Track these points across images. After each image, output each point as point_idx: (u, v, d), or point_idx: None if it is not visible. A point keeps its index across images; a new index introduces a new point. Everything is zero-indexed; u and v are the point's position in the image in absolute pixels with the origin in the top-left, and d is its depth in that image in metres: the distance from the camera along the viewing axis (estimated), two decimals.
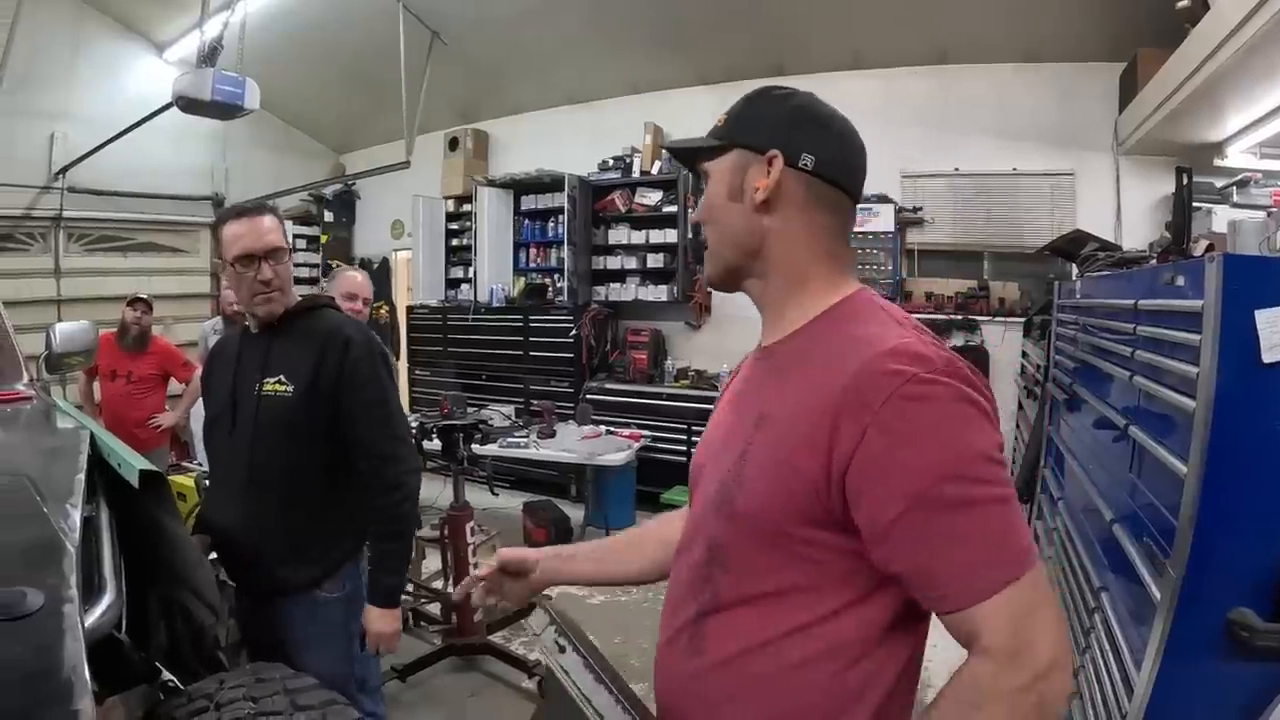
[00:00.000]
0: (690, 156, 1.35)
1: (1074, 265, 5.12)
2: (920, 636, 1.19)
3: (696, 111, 7.96)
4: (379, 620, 2.41)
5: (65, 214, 8.65)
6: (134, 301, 5.72)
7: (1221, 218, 4.66)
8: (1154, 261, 3.72)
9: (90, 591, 1.50)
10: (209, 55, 5.71)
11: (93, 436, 2.16)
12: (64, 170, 8.44)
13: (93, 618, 1.42)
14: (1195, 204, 4.16)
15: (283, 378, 2.39)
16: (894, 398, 1.02)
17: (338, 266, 9.57)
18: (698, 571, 1.24)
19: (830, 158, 1.22)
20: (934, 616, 1.10)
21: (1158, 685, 2.08)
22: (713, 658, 1.19)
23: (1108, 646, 2.53)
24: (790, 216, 1.22)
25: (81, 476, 1.83)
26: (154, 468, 1.87)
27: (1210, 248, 3.45)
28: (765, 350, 1.30)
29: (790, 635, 1.13)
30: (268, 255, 2.37)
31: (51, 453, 2.09)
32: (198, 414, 6.27)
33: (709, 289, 1.44)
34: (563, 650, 1.28)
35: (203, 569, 1.99)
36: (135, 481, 1.81)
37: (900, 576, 1.05)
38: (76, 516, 1.63)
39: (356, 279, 4.02)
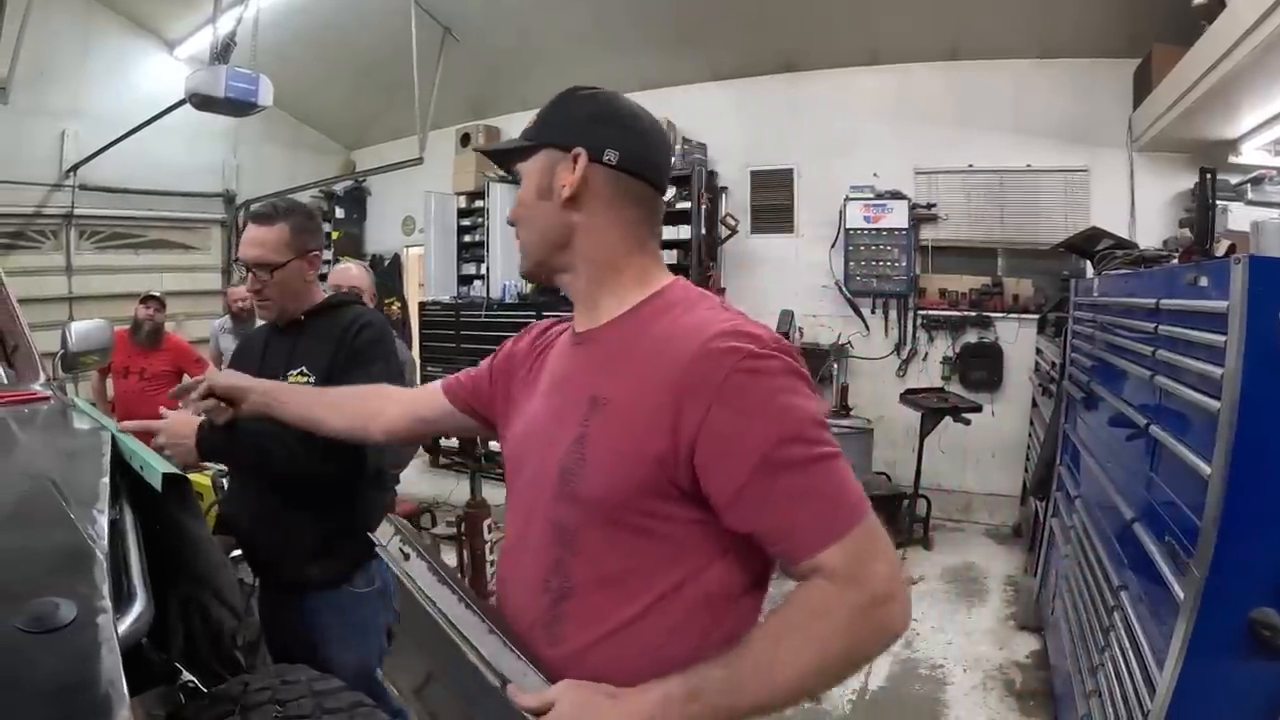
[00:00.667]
0: (504, 159, 1.42)
1: (1089, 263, 5.10)
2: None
3: (710, 107, 8.00)
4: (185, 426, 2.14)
5: (76, 212, 8.73)
6: (147, 299, 5.74)
7: (1237, 215, 4.66)
8: (1175, 261, 3.72)
9: (120, 599, 1.45)
10: (222, 52, 5.74)
11: (113, 437, 2.13)
12: (75, 168, 8.51)
13: (124, 626, 1.38)
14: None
15: (304, 369, 2.40)
16: (733, 374, 1.09)
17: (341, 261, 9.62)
18: (545, 558, 1.24)
19: (634, 152, 1.28)
20: None
21: (1180, 684, 2.08)
22: (573, 646, 1.20)
23: (1128, 645, 2.52)
24: (597, 210, 1.28)
25: (106, 479, 1.80)
26: (176, 470, 1.85)
27: (1232, 248, 3.44)
28: (581, 336, 1.34)
29: (649, 611, 1.17)
30: (254, 267, 2.38)
31: (73, 455, 2.06)
32: None
33: (525, 280, 1.55)
34: (407, 558, 1.31)
35: (225, 571, 1.97)
36: (158, 485, 1.78)
37: (754, 535, 1.13)
38: (103, 521, 1.58)
39: (350, 271, 3.96)
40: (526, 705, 1.10)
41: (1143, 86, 5.83)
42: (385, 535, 1.37)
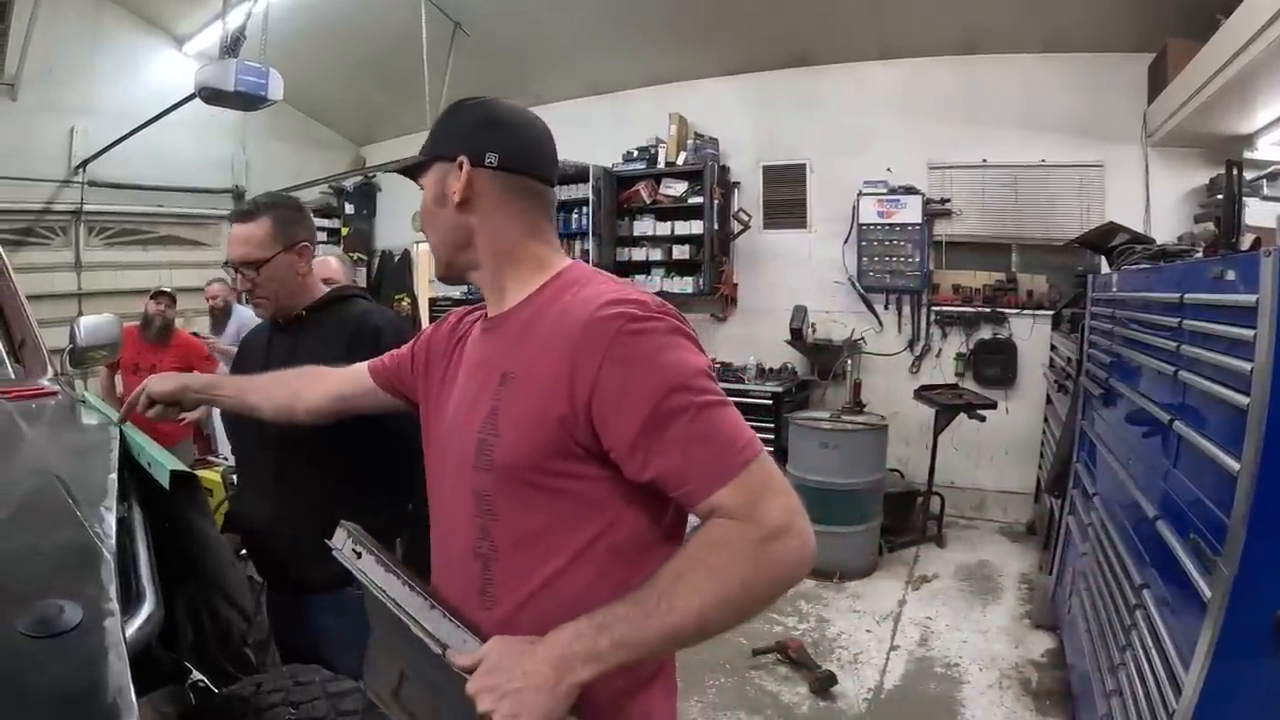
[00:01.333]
0: (410, 175, 1.49)
1: (1105, 258, 5.06)
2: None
3: (721, 102, 7.98)
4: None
5: (85, 208, 8.74)
6: (157, 294, 5.71)
7: (1254, 210, 4.61)
8: (1199, 255, 3.68)
9: (128, 600, 1.41)
10: (232, 46, 5.72)
11: (122, 434, 2.10)
12: (84, 164, 8.51)
13: (133, 629, 1.34)
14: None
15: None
16: (619, 335, 1.19)
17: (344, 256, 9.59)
18: (472, 528, 1.34)
19: (512, 152, 1.39)
20: None
21: (1207, 684, 2.05)
22: (504, 607, 1.30)
23: (1151, 644, 2.49)
24: (487, 209, 1.38)
25: (114, 476, 1.76)
26: (185, 468, 1.82)
27: (1258, 242, 3.40)
28: (491, 322, 1.44)
29: (568, 567, 1.26)
30: (240, 266, 2.35)
31: (80, 451, 2.03)
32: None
33: (441, 282, 1.59)
34: (359, 556, 1.43)
35: (234, 571, 1.94)
36: (166, 483, 1.75)
37: (654, 482, 1.19)
38: (111, 519, 1.55)
39: (330, 264, 3.85)
40: (461, 664, 1.20)
41: (1158, 81, 5.79)
42: (340, 540, 1.49)
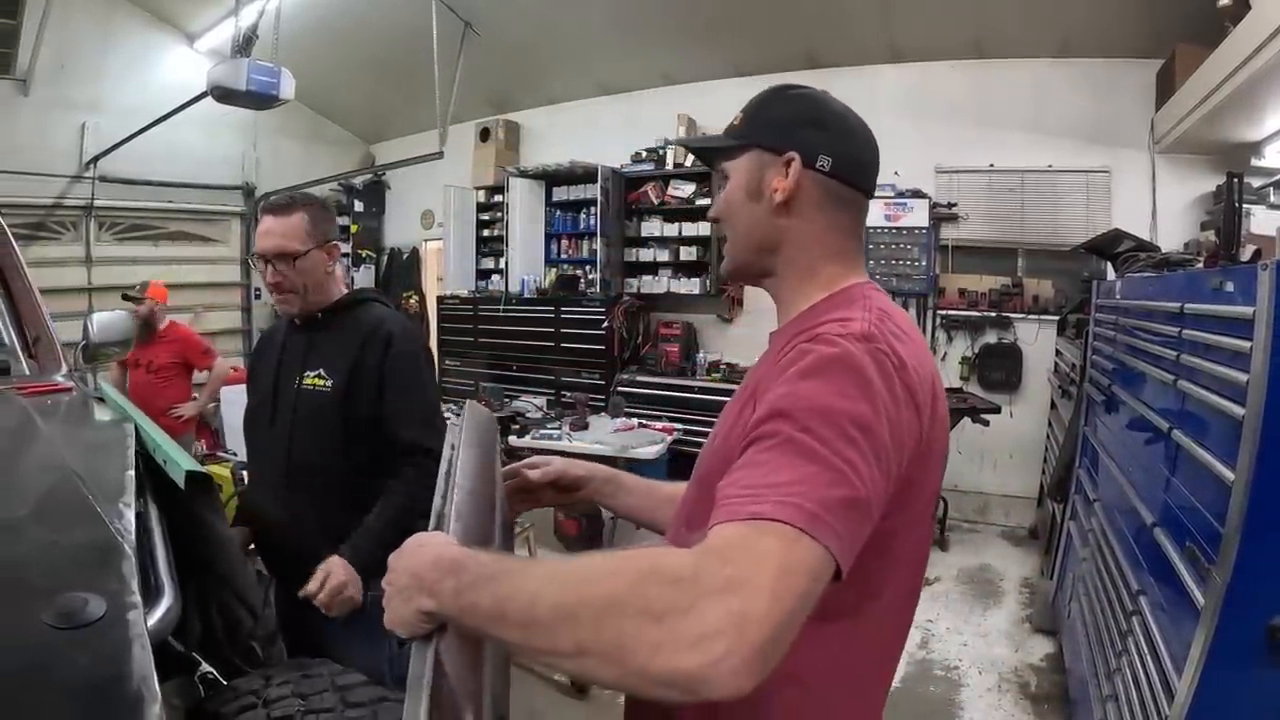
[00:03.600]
0: (709, 156, 1.37)
1: (1110, 264, 5.07)
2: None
3: (730, 103, 7.78)
4: (342, 570, 2.21)
5: (96, 203, 8.79)
6: (123, 298, 5.75)
7: (1260, 219, 4.63)
8: (1199, 265, 3.69)
9: (147, 593, 1.42)
10: (244, 45, 5.75)
11: (137, 429, 2.11)
12: (95, 160, 8.57)
13: (152, 621, 1.36)
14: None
15: (322, 372, 2.39)
16: (797, 348, 1.05)
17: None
18: (677, 531, 1.30)
19: (845, 157, 1.23)
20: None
21: (1199, 691, 2.07)
22: None
23: (1146, 650, 2.51)
24: (807, 216, 1.23)
25: (131, 473, 1.77)
26: (201, 468, 1.82)
27: (1258, 253, 3.42)
28: (771, 336, 1.32)
29: None
30: (274, 258, 2.38)
31: (97, 447, 2.03)
32: (229, 401, 6.32)
33: (726, 278, 1.40)
34: (460, 433, 1.36)
35: (243, 568, 1.95)
36: (181, 481, 1.76)
37: None
38: (130, 515, 1.55)
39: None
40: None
41: (1165, 87, 5.78)
42: (456, 419, 1.43)
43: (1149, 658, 2.47)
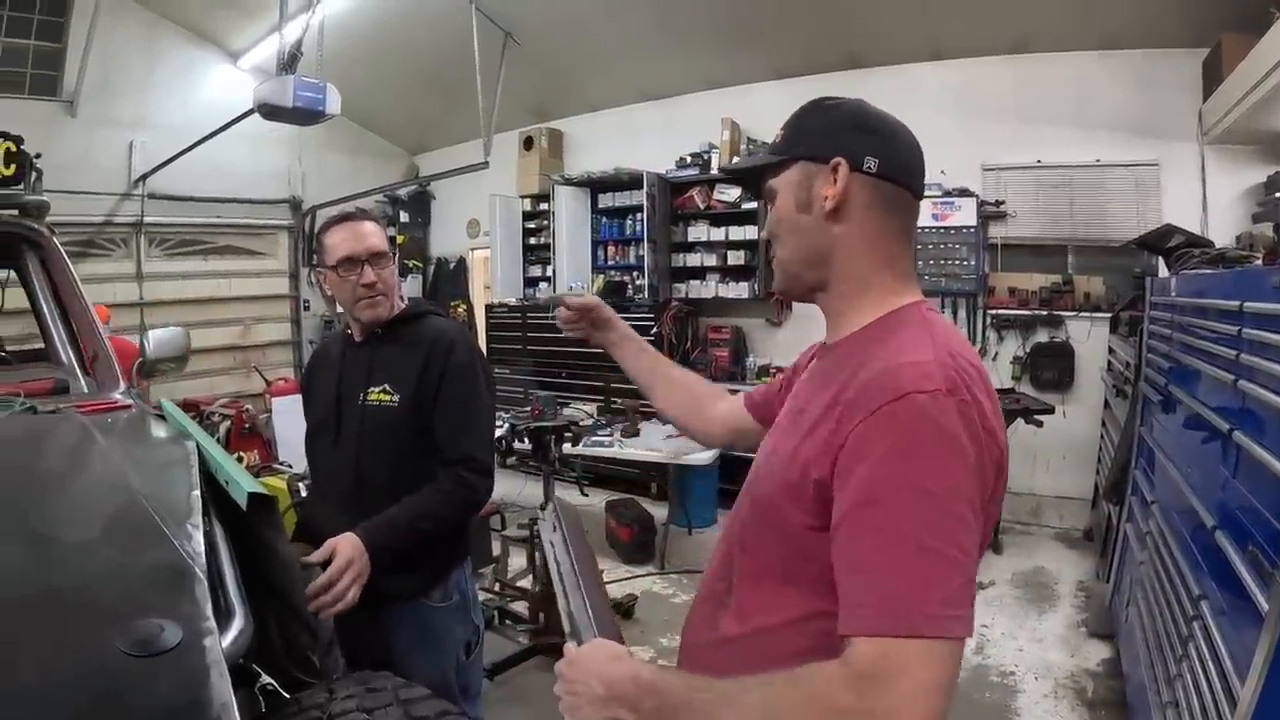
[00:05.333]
0: (756, 176, 1.38)
1: (1162, 260, 4.97)
2: None
3: (773, 106, 7.89)
4: (352, 547, 2.13)
5: (146, 220, 8.98)
6: None
7: None
8: (1258, 262, 3.61)
9: (218, 616, 1.40)
10: (289, 62, 5.82)
11: (198, 447, 2.09)
12: (144, 178, 8.76)
13: (225, 645, 1.33)
14: None
15: (388, 386, 2.38)
16: (883, 408, 1.03)
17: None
18: (729, 548, 1.32)
19: (892, 158, 1.23)
20: None
21: (1263, 698, 2.02)
22: (722, 634, 1.27)
23: (1208, 655, 2.46)
24: (858, 220, 1.23)
25: (197, 493, 1.77)
26: (263, 490, 1.79)
27: None
28: (823, 349, 1.37)
29: (782, 628, 1.18)
30: (370, 259, 2.37)
31: (162, 467, 2.02)
32: (280, 411, 6.42)
33: (780, 297, 1.51)
34: (554, 530, 1.51)
35: (301, 588, 1.91)
36: (244, 503, 1.73)
37: None
38: (199, 537, 1.55)
39: None
40: (565, 652, 1.21)
41: (1212, 77, 5.67)
42: (549, 513, 1.57)
43: (1210, 663, 2.42)
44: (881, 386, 1.05)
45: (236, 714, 1.13)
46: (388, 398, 2.38)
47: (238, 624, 1.45)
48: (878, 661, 0.94)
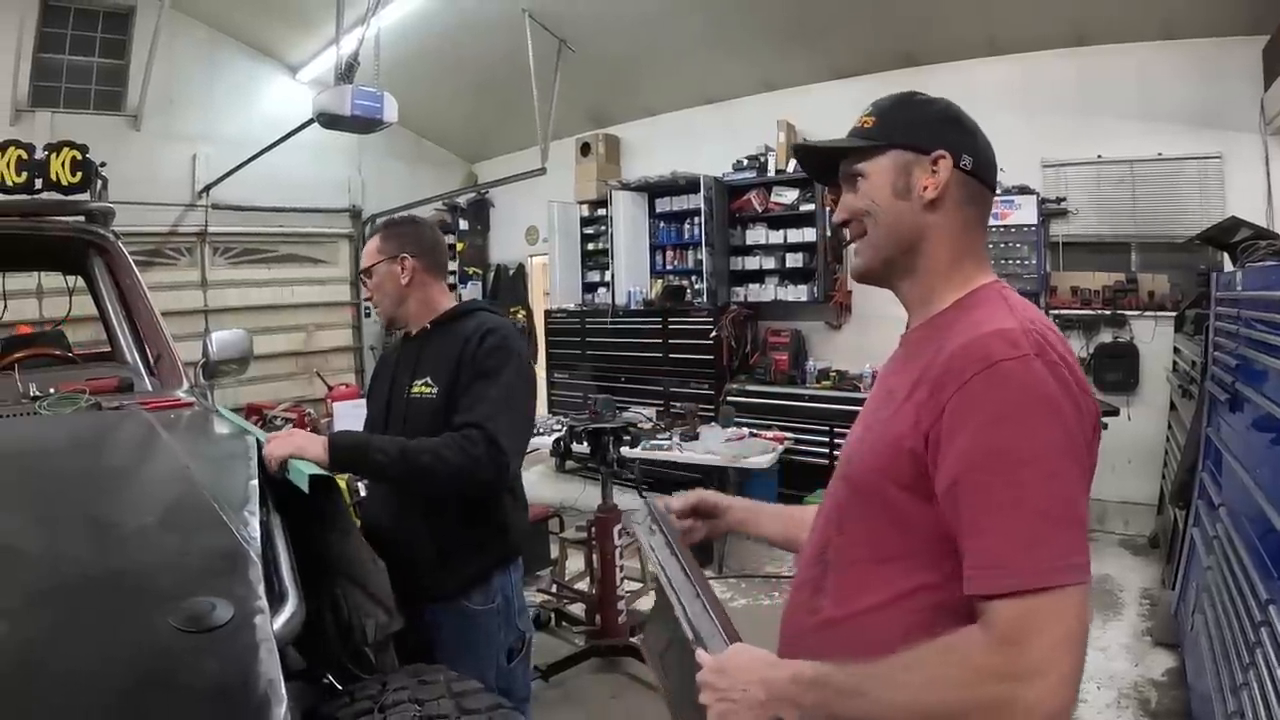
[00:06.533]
0: (832, 156, 1.38)
1: (1228, 255, 4.82)
2: None
3: (831, 106, 7.86)
4: (301, 436, 2.26)
5: (210, 230, 9.27)
6: None
7: None
8: None
9: (272, 599, 1.47)
10: (346, 72, 5.95)
11: (258, 442, 2.20)
12: (207, 189, 9.06)
13: (276, 626, 1.40)
14: None
15: (429, 379, 2.43)
16: (976, 377, 1.09)
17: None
18: (823, 535, 1.35)
19: (981, 156, 1.29)
20: None
21: None
22: (824, 616, 1.29)
23: (1276, 664, 2.36)
24: (951, 213, 1.28)
25: (255, 483, 1.86)
26: (325, 472, 1.89)
27: None
28: (903, 339, 1.38)
29: (888, 604, 1.20)
30: (364, 274, 2.63)
31: (221, 459, 2.14)
32: (341, 415, 6.51)
33: (858, 280, 1.38)
34: (653, 533, 1.52)
35: (375, 569, 1.95)
36: (305, 487, 1.84)
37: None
38: (255, 524, 1.64)
39: None
40: (702, 658, 1.23)
41: (1273, 65, 5.51)
42: (641, 515, 1.60)
43: (1279, 671, 2.32)
44: (970, 356, 1.11)
45: (284, 690, 1.17)
46: (429, 389, 2.42)
47: (290, 606, 1.51)
48: (1013, 622, 1.00)
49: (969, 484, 1.07)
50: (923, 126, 1.30)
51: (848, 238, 1.38)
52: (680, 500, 1.72)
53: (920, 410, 1.15)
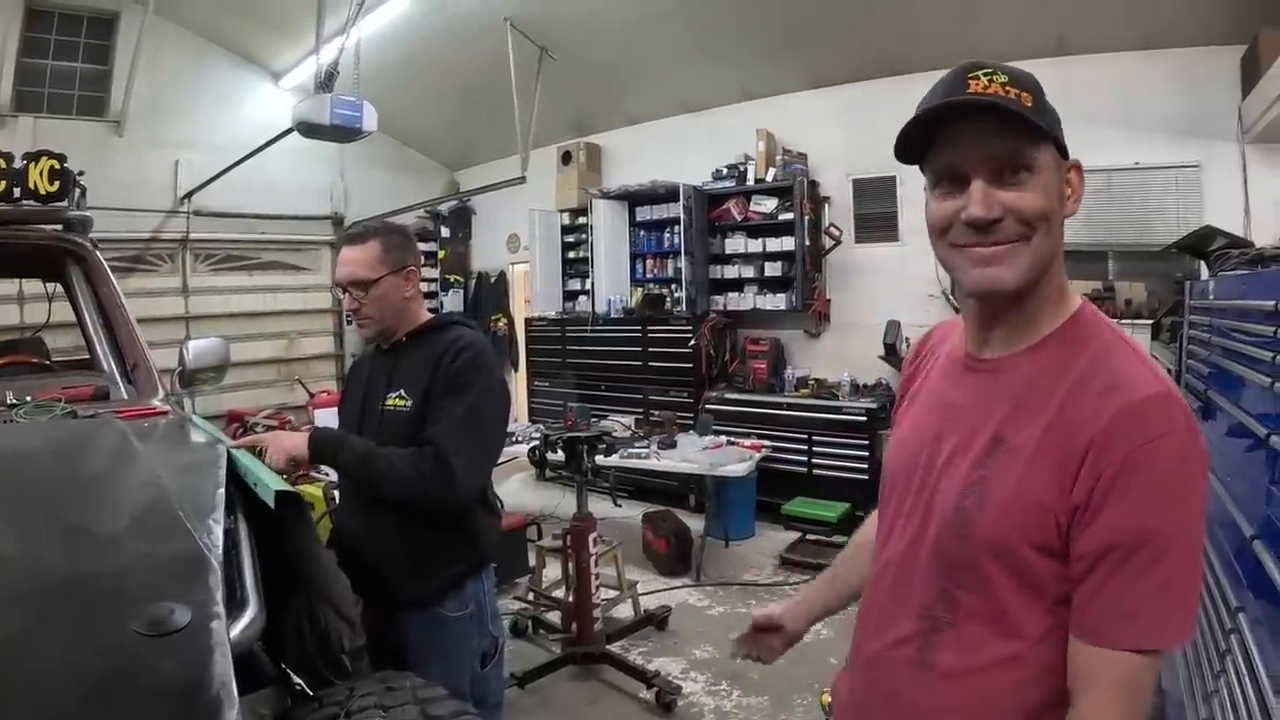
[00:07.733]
0: (1016, 127, 1.13)
1: (1204, 263, 4.86)
2: None
3: (810, 116, 7.95)
4: (288, 439, 2.42)
5: (191, 236, 9.26)
6: None
7: None
8: None
9: (233, 605, 1.53)
10: (326, 81, 5.95)
11: (229, 453, 2.22)
12: (189, 195, 9.02)
13: (236, 631, 1.46)
14: None
15: (403, 392, 2.45)
16: (1139, 450, 1.04)
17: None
18: (929, 582, 1.26)
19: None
20: None
21: None
22: (941, 670, 1.23)
23: (1245, 671, 2.38)
24: (1061, 227, 1.18)
25: (222, 491, 1.87)
26: (290, 488, 1.90)
27: None
28: (982, 364, 1.26)
29: (1016, 658, 1.17)
30: (350, 285, 2.48)
31: (190, 467, 2.14)
32: (321, 423, 6.48)
33: (986, 296, 1.22)
34: None
35: (340, 583, 2.01)
36: (271, 501, 1.84)
37: (1075, 596, 1.10)
38: (219, 531, 1.65)
39: None
40: None
41: (1251, 74, 5.55)
42: None
43: (1248, 679, 2.35)
44: (1132, 426, 1.06)
45: (235, 692, 1.20)
46: (402, 403, 2.44)
47: (250, 612, 1.56)
48: (1116, 678, 1.06)
49: (1118, 557, 1.05)
50: (1058, 123, 1.16)
51: (990, 239, 1.14)
52: (743, 644, 1.74)
53: (1064, 475, 1.09)
